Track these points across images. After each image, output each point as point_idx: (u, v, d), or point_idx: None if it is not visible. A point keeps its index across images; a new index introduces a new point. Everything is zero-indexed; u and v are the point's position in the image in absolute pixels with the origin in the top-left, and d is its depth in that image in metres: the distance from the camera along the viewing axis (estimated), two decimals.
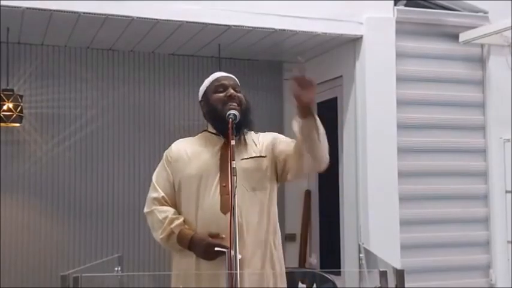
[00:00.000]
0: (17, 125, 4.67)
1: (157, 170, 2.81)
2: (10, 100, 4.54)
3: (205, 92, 2.79)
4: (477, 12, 5.08)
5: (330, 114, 5.28)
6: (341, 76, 5.10)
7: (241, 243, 2.48)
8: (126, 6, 4.21)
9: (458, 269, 4.92)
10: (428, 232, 4.87)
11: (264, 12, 4.51)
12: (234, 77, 2.81)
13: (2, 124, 4.57)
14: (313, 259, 5.56)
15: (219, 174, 2.63)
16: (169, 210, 2.69)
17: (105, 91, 5.19)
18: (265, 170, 2.68)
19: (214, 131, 2.75)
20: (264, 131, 2.87)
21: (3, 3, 3.95)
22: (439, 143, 4.99)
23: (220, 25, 4.47)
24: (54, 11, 4.09)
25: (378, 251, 3.38)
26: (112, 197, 5.13)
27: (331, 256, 5.28)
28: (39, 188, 4.96)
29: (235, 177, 2.37)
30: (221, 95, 2.70)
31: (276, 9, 4.54)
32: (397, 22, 4.83)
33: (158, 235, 2.68)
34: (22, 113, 4.64)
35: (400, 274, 2.30)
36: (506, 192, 5.01)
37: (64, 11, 4.11)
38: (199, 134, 2.84)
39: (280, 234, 2.76)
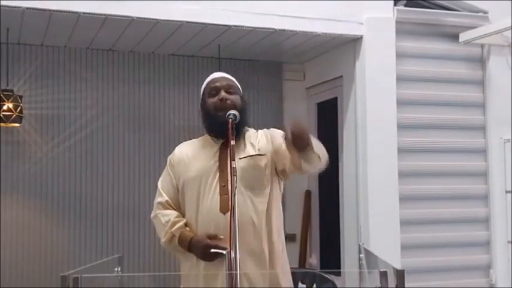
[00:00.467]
0: (17, 125, 4.67)
1: (162, 175, 2.84)
2: (10, 100, 4.54)
3: (203, 94, 2.79)
4: (477, 12, 5.08)
5: (330, 114, 5.29)
6: (341, 76, 5.10)
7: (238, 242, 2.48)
8: (126, 6, 4.21)
9: (458, 269, 4.92)
10: (428, 232, 4.87)
11: (264, 12, 4.51)
12: (229, 77, 2.79)
13: (2, 124, 4.57)
14: (313, 259, 5.56)
15: (218, 175, 2.63)
16: (172, 214, 2.70)
17: (105, 91, 5.19)
18: (263, 168, 2.67)
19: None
20: None
21: (3, 3, 3.95)
22: (439, 143, 4.99)
23: (220, 25, 4.47)
24: (54, 11, 4.09)
25: (378, 251, 3.38)
26: (112, 198, 5.13)
27: (331, 256, 5.28)
28: (39, 188, 4.95)
29: (235, 177, 2.38)
30: (214, 99, 2.69)
31: (276, 9, 4.54)
32: (397, 22, 4.83)
33: (162, 239, 2.71)
34: (22, 114, 4.64)
35: (400, 274, 2.31)
36: (506, 192, 5.01)
37: (64, 11, 4.11)
38: (201, 137, 2.84)
39: (283, 232, 2.76)
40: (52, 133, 5.02)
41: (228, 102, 2.66)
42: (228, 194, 2.50)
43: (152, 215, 2.79)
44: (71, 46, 5.07)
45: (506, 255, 4.98)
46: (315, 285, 2.61)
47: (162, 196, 2.75)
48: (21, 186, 4.91)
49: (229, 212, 2.41)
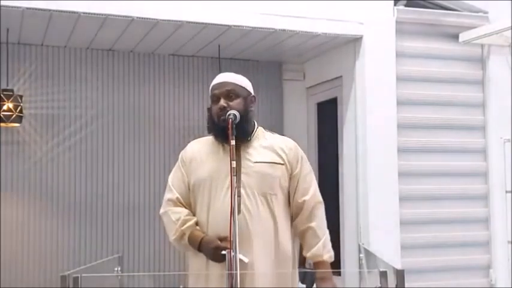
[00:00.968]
0: (17, 125, 4.67)
1: (173, 171, 2.81)
2: (10, 100, 4.54)
3: (210, 98, 2.78)
4: (477, 12, 5.08)
5: (330, 114, 5.29)
6: (341, 76, 5.10)
7: (249, 246, 2.52)
8: (126, 6, 4.21)
9: (458, 269, 4.92)
10: (428, 232, 4.87)
11: (264, 12, 4.51)
12: (231, 79, 2.73)
13: (2, 124, 4.57)
14: None
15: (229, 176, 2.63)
16: (183, 212, 2.69)
17: (105, 91, 5.19)
18: (278, 177, 2.67)
19: None
20: None
21: (3, 3, 3.95)
22: (439, 143, 4.99)
23: (220, 25, 4.47)
24: (54, 11, 4.09)
25: (378, 251, 3.39)
26: (112, 197, 5.13)
27: None
28: (39, 188, 4.96)
29: (235, 177, 2.39)
30: (216, 107, 2.69)
31: (276, 9, 4.54)
32: (397, 22, 4.83)
33: (171, 236, 2.69)
34: (22, 113, 4.64)
35: (400, 274, 2.31)
36: (506, 192, 5.01)
37: (64, 11, 4.11)
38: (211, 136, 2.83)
39: (292, 235, 2.77)
40: (52, 133, 5.02)
41: (228, 110, 2.65)
42: (239, 196, 2.53)
43: (162, 211, 2.75)
44: (71, 46, 5.07)
45: (506, 255, 4.98)
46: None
47: (173, 192, 2.72)
48: (21, 186, 4.91)
49: (240, 214, 2.46)
